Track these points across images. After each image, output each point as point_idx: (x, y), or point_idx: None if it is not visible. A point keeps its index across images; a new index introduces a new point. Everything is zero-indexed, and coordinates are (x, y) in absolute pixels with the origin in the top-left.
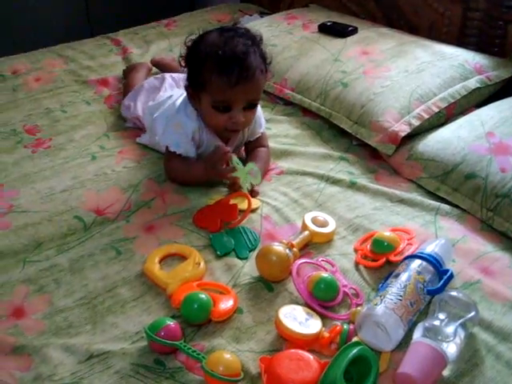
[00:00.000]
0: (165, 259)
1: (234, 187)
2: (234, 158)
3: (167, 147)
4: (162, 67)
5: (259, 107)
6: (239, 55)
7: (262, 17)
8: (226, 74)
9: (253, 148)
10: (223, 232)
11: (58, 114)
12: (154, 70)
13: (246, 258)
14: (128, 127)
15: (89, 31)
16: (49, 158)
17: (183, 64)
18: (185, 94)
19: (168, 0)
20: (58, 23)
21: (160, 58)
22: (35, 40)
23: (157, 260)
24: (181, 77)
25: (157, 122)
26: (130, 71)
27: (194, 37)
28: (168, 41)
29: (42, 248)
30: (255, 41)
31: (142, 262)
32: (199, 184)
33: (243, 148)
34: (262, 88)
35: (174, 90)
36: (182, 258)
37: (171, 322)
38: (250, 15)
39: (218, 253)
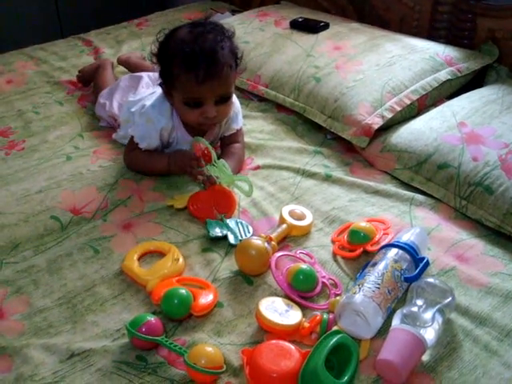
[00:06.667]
0: (143, 256)
1: (210, 181)
2: (214, 154)
3: (132, 137)
4: (130, 67)
5: (238, 104)
6: (206, 51)
7: (233, 14)
8: (193, 71)
9: (227, 143)
10: (220, 221)
11: (30, 115)
12: (122, 69)
13: (234, 245)
14: (102, 127)
15: (59, 32)
16: (23, 159)
17: (155, 61)
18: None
19: None
20: (28, 24)
21: (127, 57)
22: (5, 41)
23: (135, 257)
24: (157, 76)
25: (134, 115)
26: (95, 71)
27: (166, 32)
28: (140, 40)
29: (19, 249)
30: (225, 36)
31: (121, 260)
32: (159, 175)
33: (219, 143)
34: (232, 83)
35: (150, 88)
36: (161, 254)
37: (152, 318)
38: (222, 13)
39: (210, 234)
